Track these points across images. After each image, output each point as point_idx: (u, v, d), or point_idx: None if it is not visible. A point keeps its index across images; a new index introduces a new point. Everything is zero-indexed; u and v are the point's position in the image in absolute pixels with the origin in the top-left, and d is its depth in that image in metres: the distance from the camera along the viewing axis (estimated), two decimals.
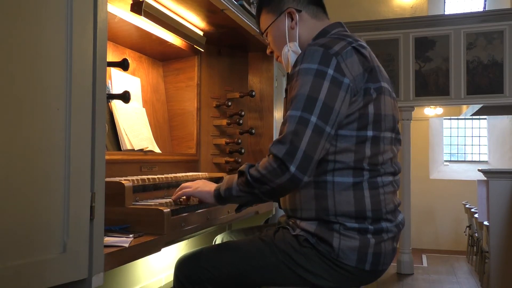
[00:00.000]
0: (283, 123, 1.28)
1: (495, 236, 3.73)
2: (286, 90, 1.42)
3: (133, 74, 1.99)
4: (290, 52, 1.51)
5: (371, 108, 1.33)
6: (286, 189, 1.29)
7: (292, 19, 1.51)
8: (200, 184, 1.49)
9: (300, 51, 1.49)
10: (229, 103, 2.35)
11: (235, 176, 1.37)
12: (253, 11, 2.26)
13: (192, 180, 1.67)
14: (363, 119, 1.32)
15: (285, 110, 1.44)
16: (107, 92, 1.26)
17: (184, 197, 1.54)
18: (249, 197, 1.36)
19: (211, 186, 1.45)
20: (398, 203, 1.44)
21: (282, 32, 1.52)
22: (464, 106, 7.00)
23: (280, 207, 1.61)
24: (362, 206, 1.33)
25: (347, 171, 1.33)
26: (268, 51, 1.64)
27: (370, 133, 1.33)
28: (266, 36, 1.59)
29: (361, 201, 1.33)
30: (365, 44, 1.42)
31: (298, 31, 1.50)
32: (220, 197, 1.40)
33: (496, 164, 8.28)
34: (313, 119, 1.24)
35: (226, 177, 1.42)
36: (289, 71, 1.55)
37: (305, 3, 1.52)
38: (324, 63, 1.29)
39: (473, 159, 8.81)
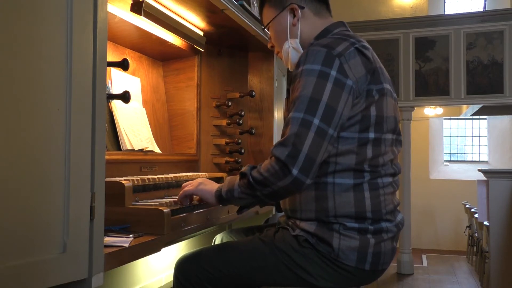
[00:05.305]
0: (286, 125, 1.27)
1: (495, 236, 3.73)
2: (288, 90, 1.41)
3: (133, 74, 1.99)
4: (291, 48, 1.50)
5: (373, 110, 1.32)
6: (288, 191, 1.29)
7: (294, 16, 1.50)
8: (200, 181, 1.49)
9: (300, 48, 1.49)
10: (229, 103, 2.35)
11: (237, 177, 1.36)
12: (253, 11, 2.26)
13: (192, 180, 1.67)
14: (365, 121, 1.32)
15: (287, 110, 1.44)
16: (107, 92, 1.26)
17: (197, 197, 1.53)
18: (251, 199, 1.35)
19: (213, 186, 1.45)
20: (397, 203, 1.44)
21: (284, 28, 1.51)
22: (464, 106, 7.00)
23: (277, 211, 1.61)
24: (362, 207, 1.32)
25: (347, 172, 1.33)
26: (269, 45, 1.63)
27: (371, 135, 1.33)
28: (268, 30, 1.59)
29: (361, 202, 1.32)
30: (367, 45, 1.41)
31: (300, 28, 1.50)
32: (222, 198, 1.40)
33: (496, 164, 8.28)
34: (316, 121, 1.23)
35: (228, 178, 1.42)
36: (289, 67, 1.55)
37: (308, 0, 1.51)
38: (327, 64, 1.28)
39: (473, 159, 8.81)
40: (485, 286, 4.57)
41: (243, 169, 1.34)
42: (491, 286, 3.80)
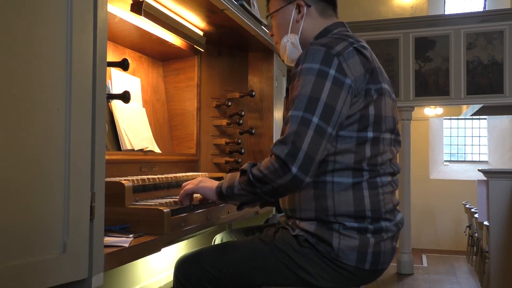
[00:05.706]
0: (285, 123, 1.28)
1: (495, 236, 3.73)
2: (287, 89, 1.42)
3: (133, 74, 1.99)
4: (289, 43, 1.52)
5: (371, 109, 1.33)
6: (288, 189, 1.30)
7: (299, 12, 1.51)
8: (201, 179, 1.51)
9: (299, 45, 1.50)
10: (229, 103, 2.35)
11: (237, 174, 1.37)
12: (253, 11, 2.26)
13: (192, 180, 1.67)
14: (364, 120, 1.32)
15: (286, 110, 1.44)
16: (107, 92, 1.26)
17: (198, 197, 1.55)
18: (251, 196, 1.36)
19: (213, 183, 1.46)
20: (397, 202, 1.45)
21: (287, 22, 1.52)
22: (464, 106, 7.00)
23: (277, 211, 1.61)
24: (361, 206, 1.33)
25: (346, 171, 1.33)
26: (269, 34, 1.65)
27: (370, 134, 1.33)
28: (271, 18, 1.59)
29: (360, 201, 1.33)
30: (366, 45, 1.41)
31: (302, 25, 1.50)
32: (222, 195, 1.40)
33: (496, 164, 8.29)
34: (315, 119, 1.24)
35: (228, 175, 1.42)
36: (284, 60, 1.56)
37: None
38: (326, 63, 1.29)
39: (473, 159, 8.82)
40: (485, 286, 4.57)
41: (244, 166, 1.35)
42: (491, 286, 3.80)
